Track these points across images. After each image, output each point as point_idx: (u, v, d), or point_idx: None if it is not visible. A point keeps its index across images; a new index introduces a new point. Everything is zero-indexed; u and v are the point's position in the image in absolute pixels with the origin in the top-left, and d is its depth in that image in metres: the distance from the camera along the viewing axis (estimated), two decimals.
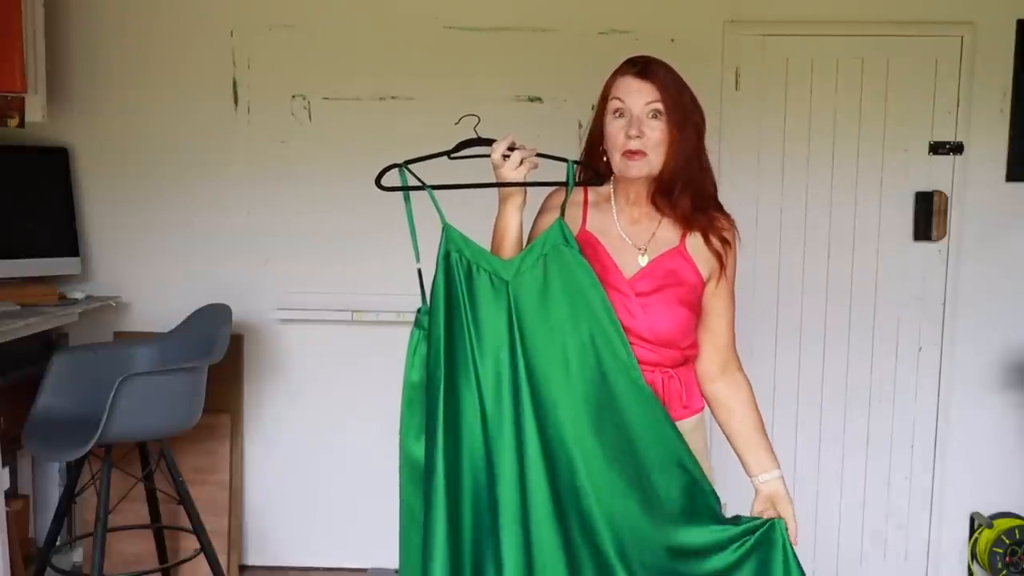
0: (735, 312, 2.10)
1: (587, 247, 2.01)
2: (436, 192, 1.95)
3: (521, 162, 1.96)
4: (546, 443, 1.89)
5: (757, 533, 1.93)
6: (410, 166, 1.98)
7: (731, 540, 1.93)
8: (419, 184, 1.95)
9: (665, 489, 1.93)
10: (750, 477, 2.05)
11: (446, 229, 1.94)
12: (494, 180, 1.99)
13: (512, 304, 1.91)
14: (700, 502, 1.95)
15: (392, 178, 1.96)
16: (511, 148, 1.97)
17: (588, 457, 1.89)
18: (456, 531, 1.89)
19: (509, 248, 2.01)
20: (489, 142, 2.00)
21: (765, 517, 1.97)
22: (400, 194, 1.95)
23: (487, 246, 2.02)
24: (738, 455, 2.07)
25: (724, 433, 2.09)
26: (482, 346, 1.91)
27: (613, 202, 2.06)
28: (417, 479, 1.96)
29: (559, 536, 1.87)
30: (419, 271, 1.98)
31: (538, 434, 1.88)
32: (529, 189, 2.01)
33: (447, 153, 2.04)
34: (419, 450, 1.95)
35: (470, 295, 1.91)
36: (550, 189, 2.11)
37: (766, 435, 2.07)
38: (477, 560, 1.91)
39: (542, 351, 1.91)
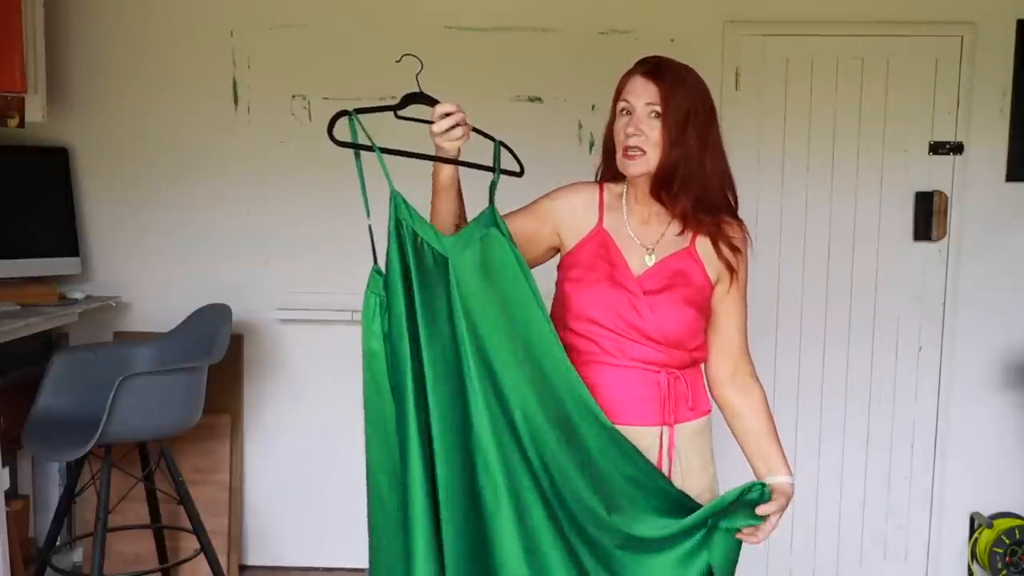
0: (747, 317, 2.09)
1: (600, 245, 2.02)
2: (412, 157, 1.92)
3: (459, 138, 1.92)
4: (499, 419, 1.89)
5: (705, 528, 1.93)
6: (361, 123, 1.92)
7: (682, 533, 1.93)
8: (368, 144, 1.88)
9: (609, 476, 1.93)
10: (761, 479, 2.03)
11: (394, 197, 1.91)
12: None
13: (454, 283, 1.90)
14: (648, 487, 1.95)
15: (343, 129, 1.89)
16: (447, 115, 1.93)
17: (540, 436, 1.90)
18: (434, 504, 1.87)
19: (442, 212, 2.00)
20: (432, 101, 1.97)
21: (770, 530, 1.95)
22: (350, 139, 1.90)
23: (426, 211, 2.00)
24: (748, 461, 2.06)
25: (736, 439, 2.08)
26: (430, 322, 1.88)
27: (624, 202, 2.06)
28: (386, 454, 1.93)
29: (516, 523, 1.86)
30: (370, 227, 1.91)
31: (488, 410, 1.88)
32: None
33: (394, 109, 2.02)
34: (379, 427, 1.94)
35: (418, 269, 1.90)
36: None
37: (778, 442, 2.05)
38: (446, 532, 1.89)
39: (489, 330, 1.91)
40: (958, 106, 3.64)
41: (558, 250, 2.11)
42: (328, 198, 3.76)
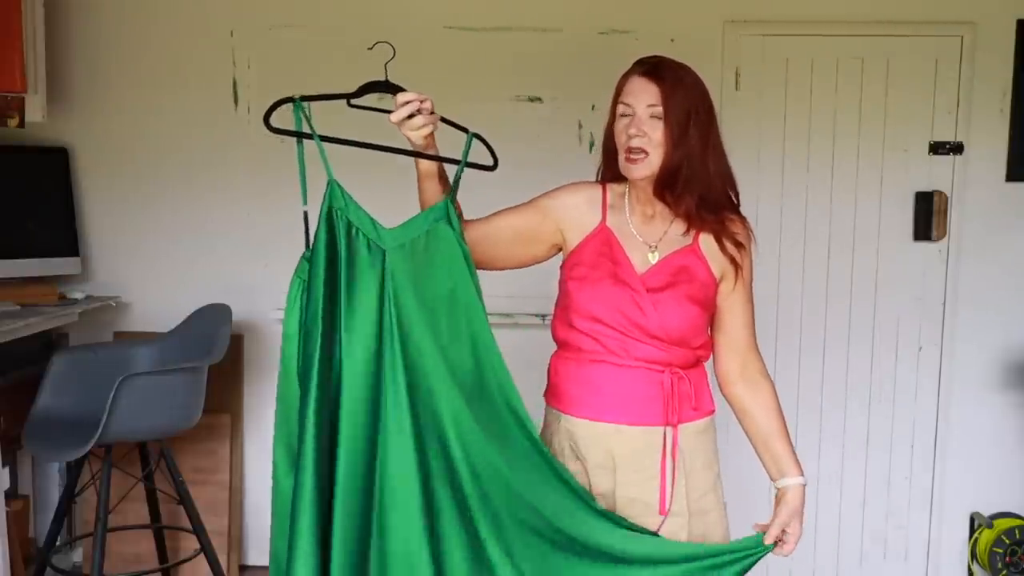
0: (754, 314, 2.09)
1: (603, 243, 2.02)
2: (357, 146, 1.92)
3: (420, 127, 1.90)
4: (417, 416, 1.86)
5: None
6: (308, 107, 1.95)
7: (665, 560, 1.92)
8: (309, 131, 1.90)
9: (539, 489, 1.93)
10: (772, 483, 2.04)
11: (331, 185, 1.92)
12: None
13: (388, 275, 1.88)
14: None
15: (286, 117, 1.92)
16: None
17: (464, 433, 1.88)
18: (325, 497, 1.85)
19: (426, 202, 1.99)
20: (396, 89, 1.93)
21: (779, 532, 1.98)
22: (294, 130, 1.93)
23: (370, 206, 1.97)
24: (759, 459, 2.06)
25: (748, 437, 2.08)
26: (352, 313, 1.88)
27: (627, 201, 2.06)
28: (285, 438, 1.92)
29: (423, 518, 1.83)
30: (305, 214, 1.93)
31: (409, 407, 1.85)
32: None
33: (348, 97, 2.00)
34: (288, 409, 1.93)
35: (348, 258, 1.89)
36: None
37: (789, 441, 2.05)
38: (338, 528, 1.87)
39: (416, 328, 1.88)
40: (958, 106, 3.64)
41: (560, 248, 2.10)
42: None
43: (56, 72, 3.73)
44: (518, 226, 2.05)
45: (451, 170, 1.99)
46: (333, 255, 1.88)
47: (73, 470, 3.33)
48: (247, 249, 3.83)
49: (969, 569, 3.80)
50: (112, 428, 2.99)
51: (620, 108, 1.99)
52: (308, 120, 1.91)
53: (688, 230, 2.02)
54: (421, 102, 1.89)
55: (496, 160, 2.05)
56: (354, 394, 1.85)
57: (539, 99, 3.72)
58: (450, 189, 1.99)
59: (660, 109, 1.94)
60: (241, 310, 3.68)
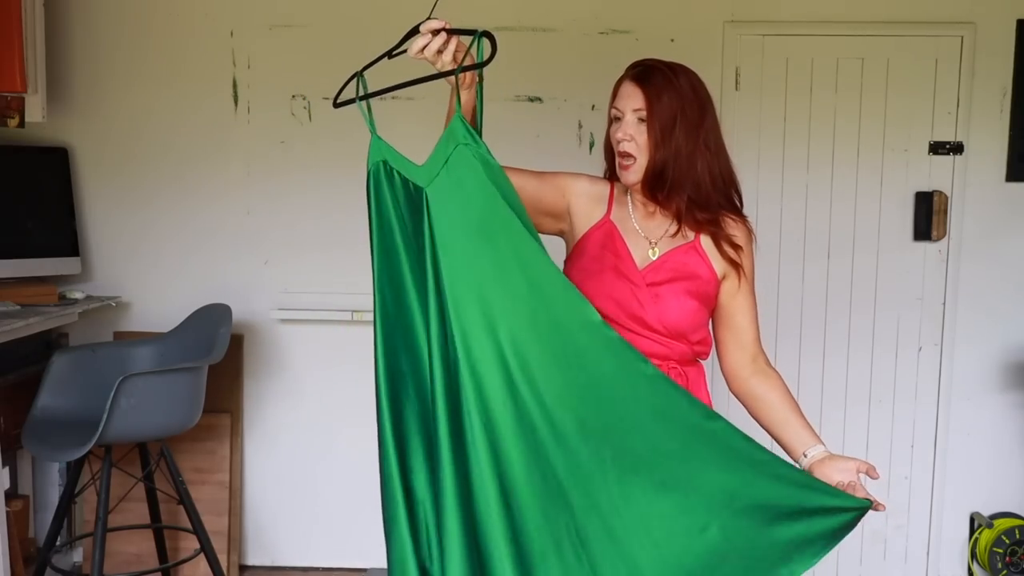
0: (757, 310, 2.11)
1: (607, 236, 2.04)
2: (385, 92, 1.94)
3: (440, 52, 1.91)
4: (459, 385, 1.79)
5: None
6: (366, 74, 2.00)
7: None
8: (357, 96, 1.96)
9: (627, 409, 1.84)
10: (796, 462, 1.99)
11: (373, 140, 1.94)
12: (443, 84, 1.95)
13: (428, 214, 1.83)
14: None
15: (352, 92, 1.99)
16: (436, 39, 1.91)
17: (528, 361, 1.80)
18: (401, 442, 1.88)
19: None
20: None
21: (849, 488, 1.88)
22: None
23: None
24: (780, 443, 2.04)
25: (764, 427, 2.07)
26: (412, 257, 1.89)
27: (629, 197, 2.09)
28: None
29: (493, 467, 1.78)
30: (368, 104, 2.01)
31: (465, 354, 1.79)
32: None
33: (388, 52, 2.03)
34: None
35: (397, 206, 1.91)
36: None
37: (804, 417, 2.04)
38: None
39: (459, 265, 1.81)
40: (958, 106, 3.64)
41: (559, 232, 2.12)
42: (328, 198, 3.76)
43: (56, 72, 3.73)
44: (537, 193, 2.04)
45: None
46: (380, 209, 1.91)
47: (73, 470, 3.33)
48: (247, 249, 3.83)
49: (969, 569, 3.80)
50: (112, 428, 2.98)
51: (612, 112, 2.04)
52: (366, 87, 1.98)
53: (679, 230, 2.04)
54: (433, 32, 1.89)
55: (495, 49, 1.96)
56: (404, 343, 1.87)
57: (539, 99, 3.72)
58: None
59: (644, 113, 1.97)
60: (241, 310, 3.68)
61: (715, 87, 3.59)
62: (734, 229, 2.05)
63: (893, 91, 3.66)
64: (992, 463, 3.77)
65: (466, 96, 1.94)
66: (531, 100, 3.72)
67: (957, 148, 3.67)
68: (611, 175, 2.11)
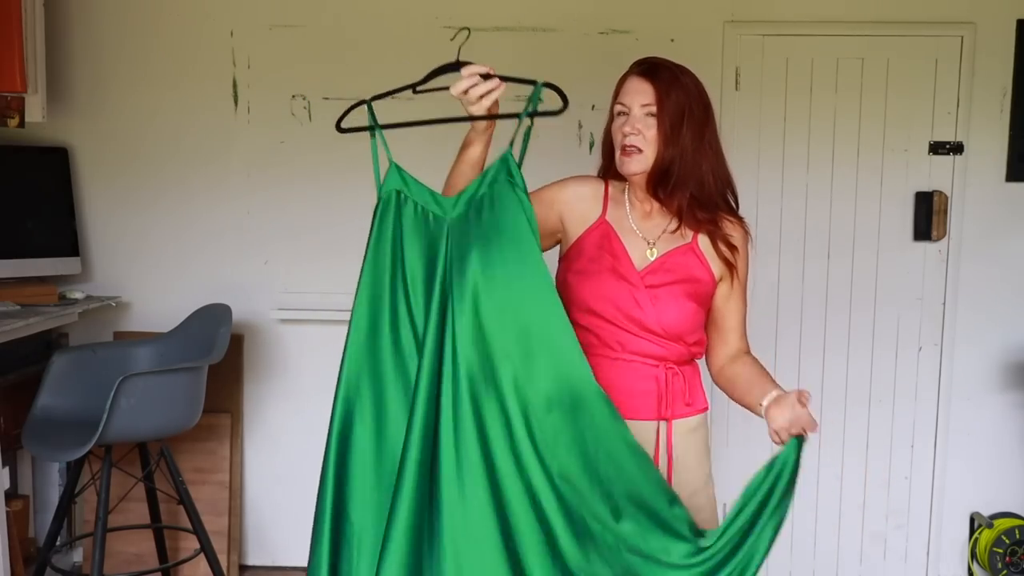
0: (747, 311, 2.12)
1: (603, 236, 2.04)
2: (412, 126, 1.94)
3: (481, 97, 1.91)
4: (475, 389, 1.84)
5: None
6: (380, 105, 1.98)
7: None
8: (373, 124, 1.95)
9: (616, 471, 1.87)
10: (760, 413, 1.97)
11: (392, 167, 1.94)
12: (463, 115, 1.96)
13: (448, 244, 1.88)
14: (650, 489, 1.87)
15: (361, 117, 1.97)
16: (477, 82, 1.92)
17: (528, 407, 1.84)
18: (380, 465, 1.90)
19: (460, 177, 1.99)
20: (462, 66, 1.93)
21: (786, 436, 1.88)
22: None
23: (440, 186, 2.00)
24: (747, 406, 2.03)
25: (735, 399, 2.07)
26: (413, 287, 1.89)
27: (627, 197, 2.09)
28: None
29: (490, 494, 1.82)
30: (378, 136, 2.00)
31: (467, 380, 1.83)
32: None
33: (413, 86, 2.02)
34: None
35: (407, 235, 1.90)
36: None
37: (769, 376, 2.03)
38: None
39: (477, 296, 1.84)
40: (958, 106, 3.64)
41: (557, 241, 2.12)
42: (328, 198, 3.76)
43: (56, 72, 3.73)
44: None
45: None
46: (397, 234, 1.91)
47: (73, 470, 3.33)
48: (247, 249, 3.83)
49: (969, 569, 3.80)
50: (112, 428, 2.99)
51: (617, 107, 2.04)
52: (374, 117, 1.97)
53: (679, 228, 2.04)
54: (483, 76, 1.90)
55: (566, 100, 1.97)
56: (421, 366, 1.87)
57: (539, 99, 3.71)
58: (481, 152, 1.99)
59: (654, 108, 1.97)
60: (241, 310, 3.68)
61: (715, 87, 3.60)
62: (731, 230, 2.06)
63: (893, 91, 3.66)
64: (992, 463, 3.77)
65: (486, 140, 2.00)
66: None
67: (957, 148, 3.67)
68: (606, 172, 2.11)
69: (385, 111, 2.01)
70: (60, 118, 3.74)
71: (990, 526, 3.68)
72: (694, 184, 2.00)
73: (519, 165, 1.92)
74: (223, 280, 3.81)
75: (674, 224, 2.04)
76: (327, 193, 3.76)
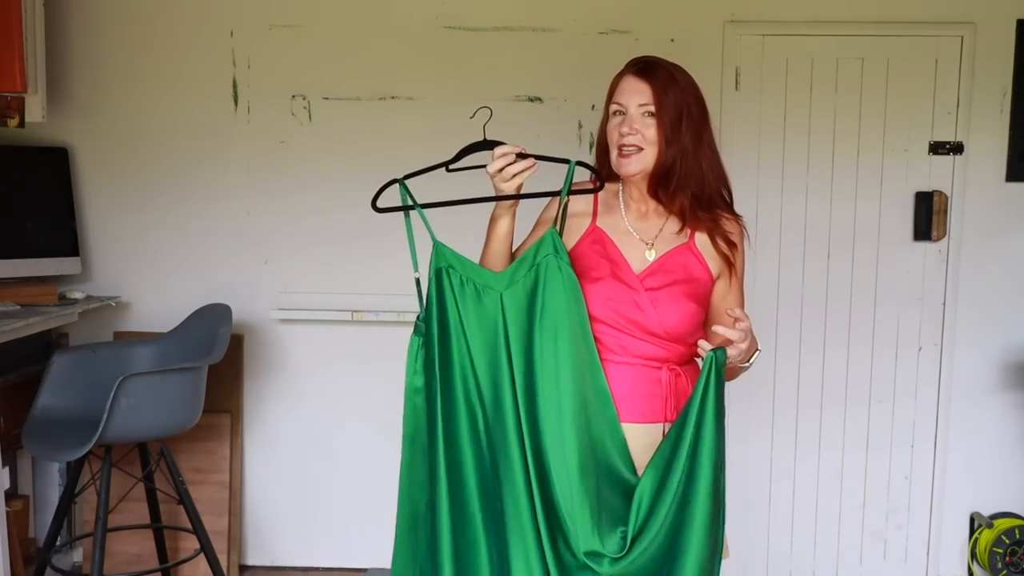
0: (744, 308, 2.11)
1: (597, 243, 2.04)
2: (449, 205, 1.99)
3: (513, 176, 1.96)
4: (535, 452, 1.91)
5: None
6: (409, 180, 2.02)
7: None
8: (411, 203, 1.99)
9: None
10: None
11: (436, 247, 1.98)
12: (493, 190, 2.01)
13: (504, 315, 1.94)
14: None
15: (392, 193, 2.01)
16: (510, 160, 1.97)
17: (565, 471, 1.90)
18: (461, 526, 1.93)
19: (494, 255, 2.04)
20: (492, 145, 2.00)
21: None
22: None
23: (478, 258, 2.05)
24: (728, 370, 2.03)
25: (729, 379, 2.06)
26: (477, 358, 1.95)
27: (621, 198, 2.08)
28: (417, 482, 1.99)
29: (541, 544, 1.89)
30: (417, 280, 2.03)
31: (529, 441, 1.91)
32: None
33: (446, 165, 2.07)
34: (419, 453, 1.99)
35: (462, 308, 1.95)
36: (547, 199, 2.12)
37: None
38: (478, 558, 1.93)
39: (533, 363, 1.93)
40: (958, 106, 3.64)
41: None
42: (328, 198, 3.76)
43: (56, 72, 3.73)
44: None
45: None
46: (443, 313, 1.95)
47: (73, 470, 3.33)
48: (247, 249, 3.83)
49: (969, 569, 3.80)
50: (112, 428, 2.99)
51: (613, 107, 2.02)
52: (410, 194, 2.01)
53: (683, 228, 2.03)
54: (517, 155, 1.94)
55: (602, 180, 2.07)
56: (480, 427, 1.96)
57: (539, 99, 3.72)
58: (510, 252, 2.06)
59: (652, 108, 1.97)
60: (241, 310, 3.68)
61: (715, 87, 3.62)
62: (729, 226, 2.06)
63: (893, 91, 3.66)
64: (992, 463, 3.77)
65: (513, 213, 2.04)
66: (531, 100, 3.72)
67: (957, 148, 3.67)
68: (595, 184, 2.09)
69: (414, 185, 2.05)
70: (60, 118, 3.74)
71: (990, 526, 3.68)
72: (695, 183, 2.00)
73: (560, 234, 1.99)
74: (223, 280, 3.81)
75: (675, 224, 2.04)
76: (327, 193, 3.76)
